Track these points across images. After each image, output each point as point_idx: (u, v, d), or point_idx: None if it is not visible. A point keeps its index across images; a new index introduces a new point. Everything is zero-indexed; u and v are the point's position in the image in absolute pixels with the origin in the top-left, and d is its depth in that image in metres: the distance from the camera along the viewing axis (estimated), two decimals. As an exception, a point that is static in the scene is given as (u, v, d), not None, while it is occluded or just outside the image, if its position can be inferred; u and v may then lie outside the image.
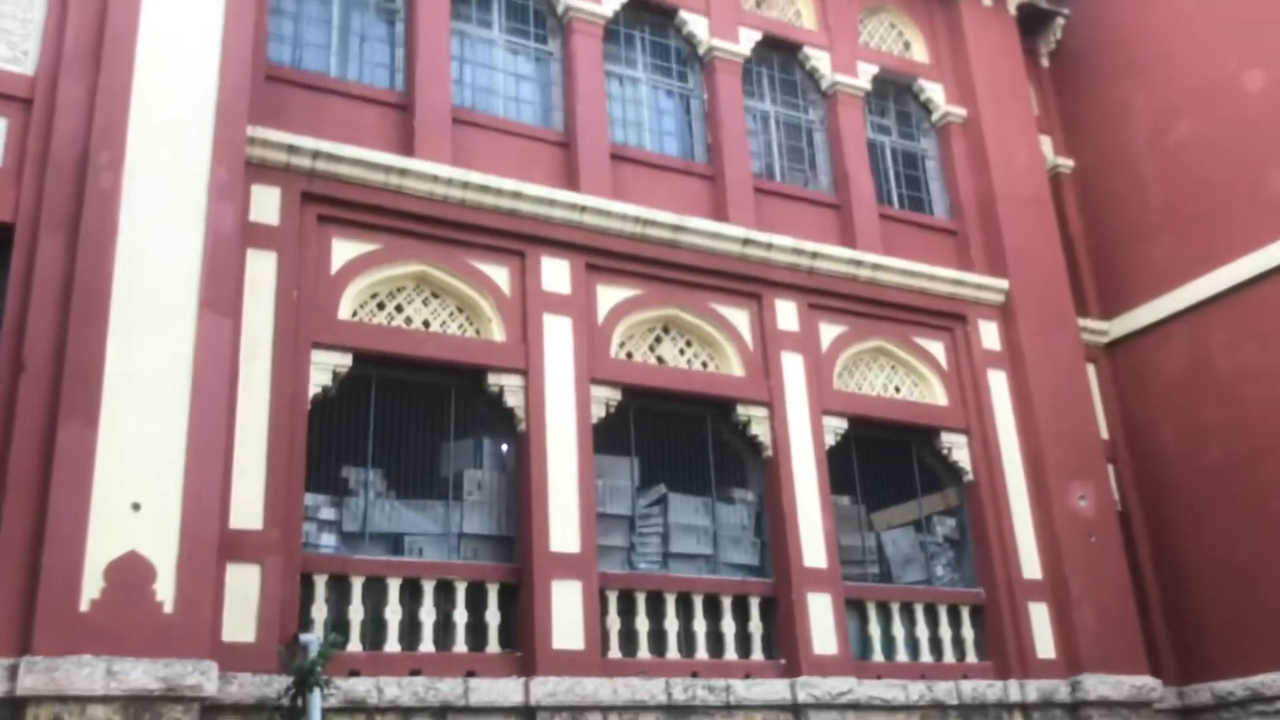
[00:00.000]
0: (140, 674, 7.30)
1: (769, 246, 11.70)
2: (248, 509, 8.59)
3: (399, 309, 10.05)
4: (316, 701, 7.97)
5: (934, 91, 14.00)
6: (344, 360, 9.49)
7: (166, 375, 8.08)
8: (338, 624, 8.91)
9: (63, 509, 7.45)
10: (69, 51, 8.61)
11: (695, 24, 12.58)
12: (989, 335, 12.85)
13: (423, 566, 9.39)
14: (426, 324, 10.11)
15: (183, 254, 8.43)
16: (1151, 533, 13.76)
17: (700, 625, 10.32)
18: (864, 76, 13.47)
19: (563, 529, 9.75)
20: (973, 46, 14.12)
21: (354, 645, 8.90)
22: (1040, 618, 11.77)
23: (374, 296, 9.97)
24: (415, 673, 8.90)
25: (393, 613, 9.11)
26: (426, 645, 9.14)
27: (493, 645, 9.41)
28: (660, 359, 11.23)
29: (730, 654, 10.35)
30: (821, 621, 10.64)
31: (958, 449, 12.28)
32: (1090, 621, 11.76)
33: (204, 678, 7.51)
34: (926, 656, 11.35)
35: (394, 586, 9.19)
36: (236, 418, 8.70)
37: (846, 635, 10.76)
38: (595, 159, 11.26)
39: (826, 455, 11.43)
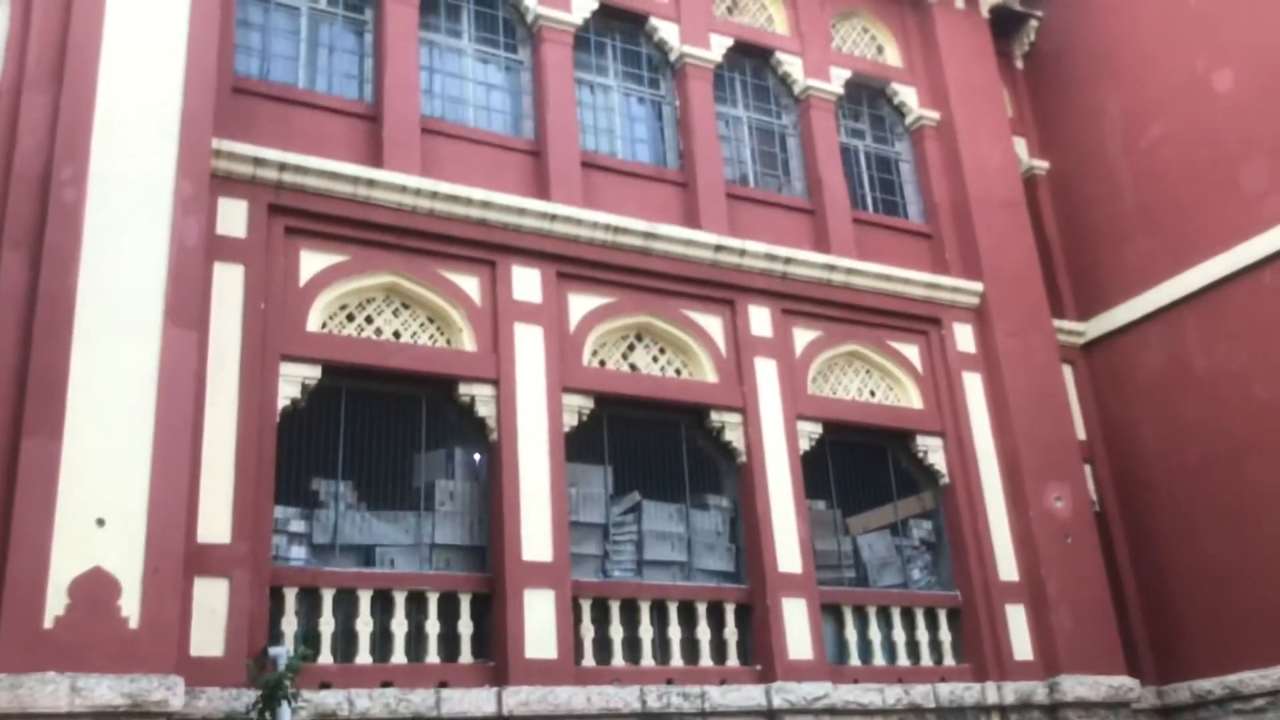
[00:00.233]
0: (105, 690, 7.27)
1: (742, 253, 11.71)
2: (215, 522, 8.57)
3: (369, 320, 10.04)
4: (286, 715, 7.94)
5: (907, 95, 14.04)
6: (313, 372, 9.48)
7: (131, 389, 8.06)
8: (308, 637, 8.89)
9: (26, 524, 7.42)
10: (32, 64, 8.59)
11: (666, 31, 12.59)
12: (964, 338, 12.87)
13: (394, 578, 9.37)
14: (397, 335, 10.11)
15: (147, 267, 8.41)
16: (1130, 533, 13.79)
17: (675, 632, 10.32)
18: (837, 81, 13.50)
19: (535, 538, 9.74)
20: (946, 50, 14.15)
21: (325, 658, 8.89)
22: (1017, 620, 11.78)
23: (343, 308, 9.96)
24: (387, 684, 8.87)
25: (364, 625, 9.10)
26: (398, 657, 9.12)
27: (465, 655, 9.39)
28: (633, 366, 11.23)
29: (705, 661, 10.34)
30: (797, 626, 10.64)
31: (933, 452, 12.30)
32: (1067, 623, 11.77)
33: (170, 693, 7.49)
34: (903, 660, 11.36)
35: (365, 598, 9.17)
36: (204, 431, 8.69)
37: (822, 640, 10.76)
38: (566, 167, 11.27)
39: (801, 460, 11.44)
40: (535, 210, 10.69)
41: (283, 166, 9.71)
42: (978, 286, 13.01)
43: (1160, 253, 13.77)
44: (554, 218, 10.77)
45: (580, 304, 10.92)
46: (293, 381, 9.36)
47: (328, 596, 9.06)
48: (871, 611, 11.39)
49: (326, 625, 8.99)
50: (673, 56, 12.61)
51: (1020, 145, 15.13)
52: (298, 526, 9.31)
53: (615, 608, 10.15)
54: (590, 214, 10.99)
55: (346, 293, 9.95)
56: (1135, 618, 13.40)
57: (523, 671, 9.24)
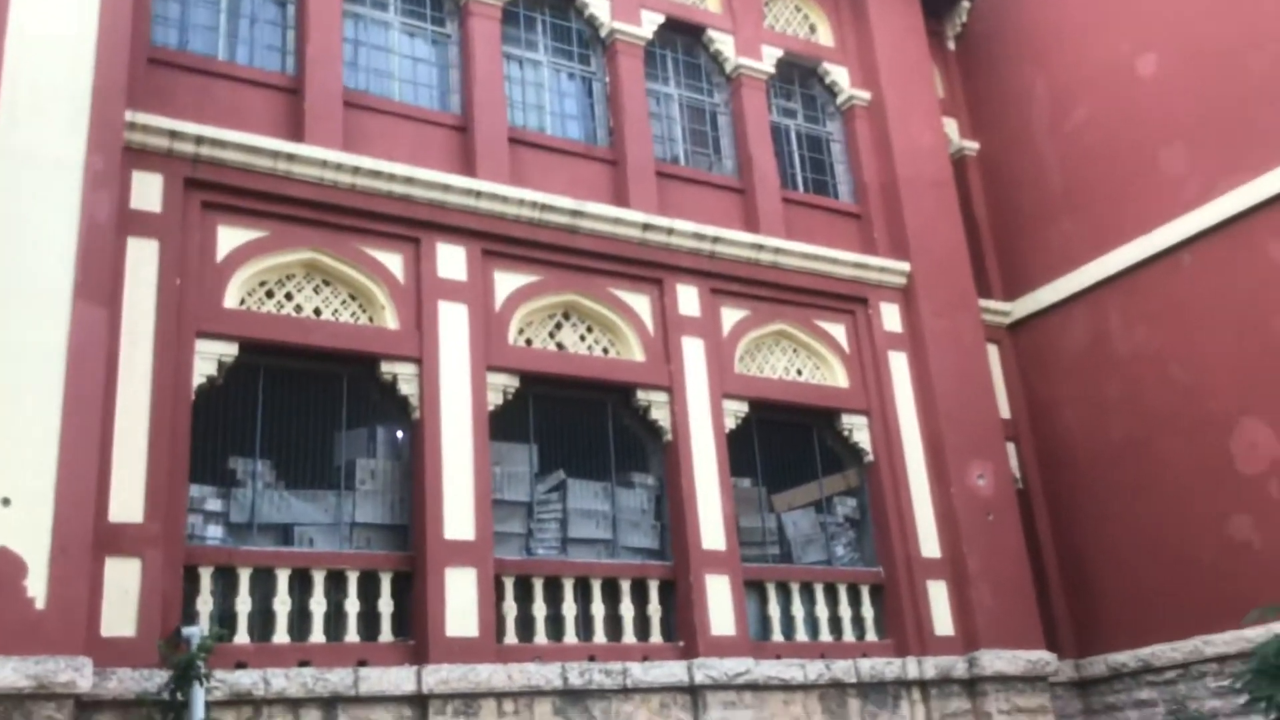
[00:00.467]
0: (9, 672, 7.17)
1: (670, 231, 11.72)
2: (128, 502, 8.45)
3: (288, 297, 9.93)
4: (199, 695, 7.88)
5: (839, 75, 14.08)
6: (230, 349, 9.36)
7: (39, 367, 7.92)
8: (224, 617, 8.83)
9: (-73, 505, 7.28)
10: (-67, 34, 8.35)
11: (597, 6, 12.52)
12: (890, 317, 12.99)
13: (313, 557, 9.31)
14: (317, 312, 10.00)
15: (56, 243, 8.25)
16: (1051, 510, 14.06)
17: (599, 609, 10.36)
18: (768, 60, 13.51)
19: (457, 516, 9.73)
20: (877, 29, 14.21)
21: (241, 637, 8.83)
22: (939, 595, 11.97)
23: (262, 284, 9.83)
24: (304, 663, 8.84)
25: (282, 604, 9.04)
26: (317, 636, 9.08)
27: (385, 634, 9.38)
28: (560, 345, 11.21)
29: (629, 637, 10.41)
30: (720, 603, 10.73)
31: (858, 430, 12.43)
32: (988, 598, 11.98)
33: (77, 674, 7.40)
34: (826, 636, 11.51)
35: (283, 577, 9.11)
36: (116, 409, 8.56)
37: (745, 616, 10.86)
38: (493, 143, 11.19)
39: (727, 438, 11.51)
40: (461, 187, 10.61)
41: (200, 140, 9.54)
42: (905, 266, 13.13)
43: (1084, 235, 13.99)
44: (480, 194, 10.70)
45: (506, 282, 10.87)
46: (209, 359, 9.24)
47: (245, 576, 8.99)
48: (795, 588, 11.51)
49: (243, 605, 8.92)
50: (603, 32, 12.54)
51: (951, 126, 15.28)
52: (214, 505, 9.22)
53: (539, 585, 10.18)
54: (517, 191, 10.93)
55: (266, 269, 9.83)
56: (1055, 593, 13.70)
57: (443, 650, 9.24)
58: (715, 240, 11.98)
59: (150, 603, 8.31)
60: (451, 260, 10.52)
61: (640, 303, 11.61)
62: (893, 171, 13.56)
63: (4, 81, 8.40)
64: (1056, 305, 14.24)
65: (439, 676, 9.10)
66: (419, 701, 9.06)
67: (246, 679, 8.49)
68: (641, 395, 11.26)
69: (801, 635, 11.37)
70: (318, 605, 9.15)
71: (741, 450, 11.80)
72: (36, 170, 8.32)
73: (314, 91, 10.43)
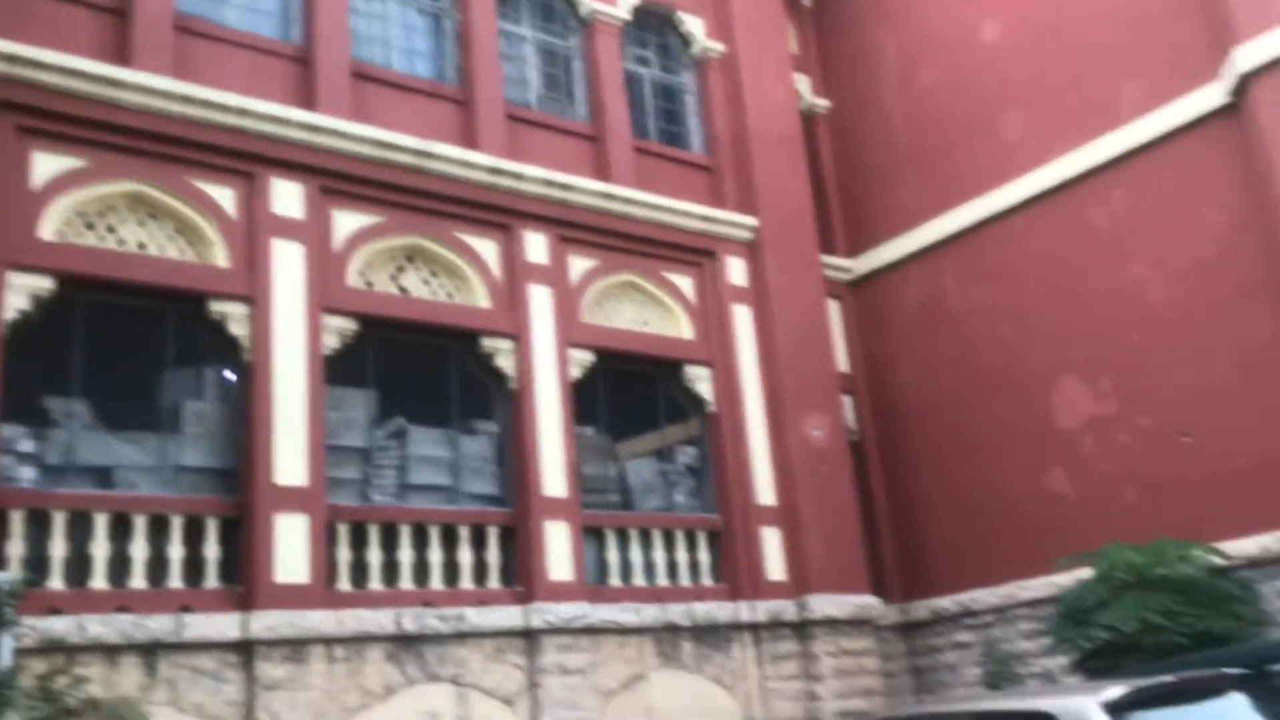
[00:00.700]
0: None
1: (519, 176, 11.59)
2: (-72, 442, 7.99)
3: (110, 230, 9.46)
4: (6, 642, 7.53)
5: (694, 25, 14.08)
6: (45, 283, 8.88)
7: None
8: (37, 562, 8.45)
9: None
10: None
11: (449, -59, 12.20)
12: (736, 271, 13.18)
13: (133, 500, 8.98)
14: (142, 246, 9.56)
15: None
16: (884, 462, 14.58)
17: (436, 556, 10.31)
18: (624, 6, 13.40)
19: (289, 462, 9.51)
20: (734, -18, 14.24)
21: (55, 583, 8.47)
22: (773, 542, 12.32)
23: (81, 216, 9.33)
24: (123, 610, 8.55)
25: (99, 549, 8.71)
26: (138, 582, 8.79)
27: (211, 580, 9.14)
28: (403, 289, 11.01)
29: (466, 584, 10.40)
30: (559, 549, 10.82)
31: (701, 381, 12.62)
32: (819, 546, 12.39)
33: (-126, 621, 7.00)
34: (663, 581, 11.73)
35: (102, 521, 8.77)
36: (-84, 344, 8.05)
37: (584, 562, 10.98)
38: (334, 76, 10.83)
39: (573, 387, 11.54)
40: (298, 120, 10.26)
41: (13, 59, 8.96)
42: (753, 221, 13.31)
43: (926, 194, 14.41)
44: (319, 130, 10.37)
45: (347, 222, 10.59)
46: (22, 293, 8.76)
47: (59, 519, 8.61)
48: (634, 534, 11.68)
49: (58, 550, 8.55)
50: (455, -32, 12.24)
51: (803, 83, 15.47)
52: (26, 446, 8.77)
53: (374, 532, 10.05)
54: (359, 127, 10.63)
55: (86, 200, 9.33)
56: (885, 542, 14.25)
57: (271, 596, 9.07)
58: (565, 187, 11.90)
59: (-47, 548, 7.91)
60: (287, 197, 10.18)
61: (487, 248, 11.48)
62: (744, 125, 13.68)
63: None
64: (896, 263, 14.68)
65: (265, 623, 8.94)
66: (244, 648, 8.89)
67: (60, 625, 8.18)
68: (486, 342, 11.18)
69: (639, 580, 11.55)
70: (139, 551, 8.84)
71: (587, 399, 11.86)
72: None
73: (143, 14, 9.89)
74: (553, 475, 11.02)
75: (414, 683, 9.66)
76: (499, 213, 11.55)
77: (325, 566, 9.50)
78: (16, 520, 8.46)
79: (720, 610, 11.66)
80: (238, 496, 9.44)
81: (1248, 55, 11.24)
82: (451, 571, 10.41)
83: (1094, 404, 12.44)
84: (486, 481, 11.09)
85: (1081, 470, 12.46)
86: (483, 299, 11.29)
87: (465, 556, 10.47)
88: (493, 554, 10.68)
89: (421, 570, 10.23)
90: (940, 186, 14.25)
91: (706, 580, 12.02)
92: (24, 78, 9.02)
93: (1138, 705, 6.39)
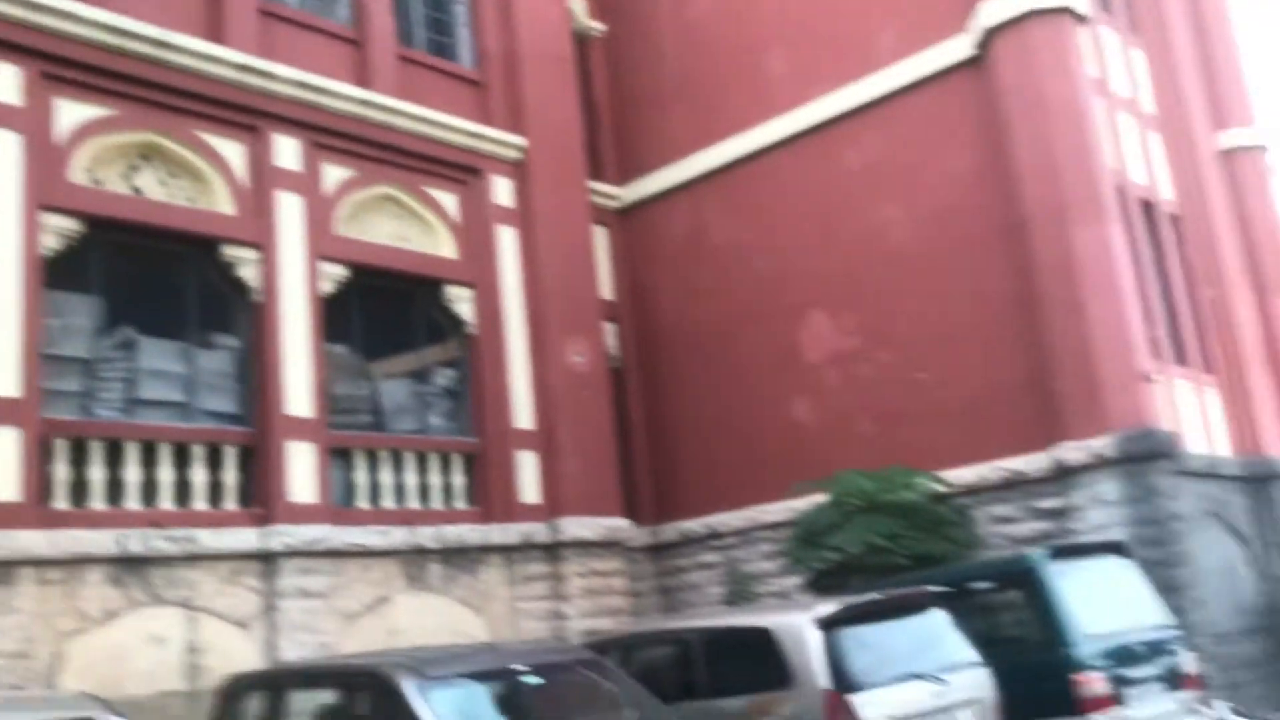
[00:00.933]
0: None
1: (270, 76, 10.93)
2: None
3: None
4: None
5: (467, -68, 13.60)
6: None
7: None
8: None
9: None
10: None
11: None
12: (503, 191, 12.95)
13: None
14: None
15: None
16: (644, 389, 14.84)
17: (167, 475, 9.76)
18: (393, -94, 12.77)
19: (-3, 371, 8.75)
20: (510, -110, 13.79)
21: None
22: (529, 466, 12.33)
23: None
24: None
25: None
26: None
27: (-99, 498, 8.35)
28: (137, 190, 10.23)
29: (199, 504, 9.90)
30: (302, 470, 10.46)
31: (462, 302, 12.39)
32: (574, 469, 12.48)
33: None
34: (414, 503, 11.54)
35: None
36: None
37: (329, 483, 10.67)
38: (60, -49, 9.84)
39: (323, 302, 11.10)
40: (17, -2, 9.29)
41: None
42: (521, 141, 13.08)
43: (694, 126, 14.56)
44: (39, 8, 9.42)
45: (70, 112, 9.71)
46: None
47: None
48: (385, 456, 11.42)
49: None
50: None
51: (578, 3, 15.24)
52: None
53: (97, 449, 9.41)
54: (87, 9, 9.72)
55: None
56: (641, 467, 14.56)
57: (-27, 516, 8.37)
58: (321, 91, 11.33)
59: None
60: (2, 80, 9.23)
61: (233, 151, 10.80)
62: (515, 42, 13.37)
63: None
64: (664, 194, 14.82)
65: (-34, 544, 8.25)
66: (-59, 572, 8.19)
67: None
68: (228, 251, 10.57)
69: (388, 503, 11.33)
70: None
71: (339, 316, 11.43)
72: None
73: None
74: (298, 393, 10.61)
75: (138, 606, 9.17)
76: (247, 113, 10.87)
77: (38, 484, 8.84)
78: None
79: (471, 533, 11.61)
80: (-64, 408, 8.62)
81: (991, 10, 11.83)
82: (184, 492, 9.88)
83: (839, 339, 13.02)
84: (225, 399, 10.54)
85: (824, 401, 13.05)
86: (226, 205, 10.64)
87: (199, 476, 9.96)
88: (230, 474, 10.21)
89: (150, 490, 9.66)
90: (708, 119, 14.42)
91: (460, 503, 11.92)
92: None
93: (848, 620, 6.81)
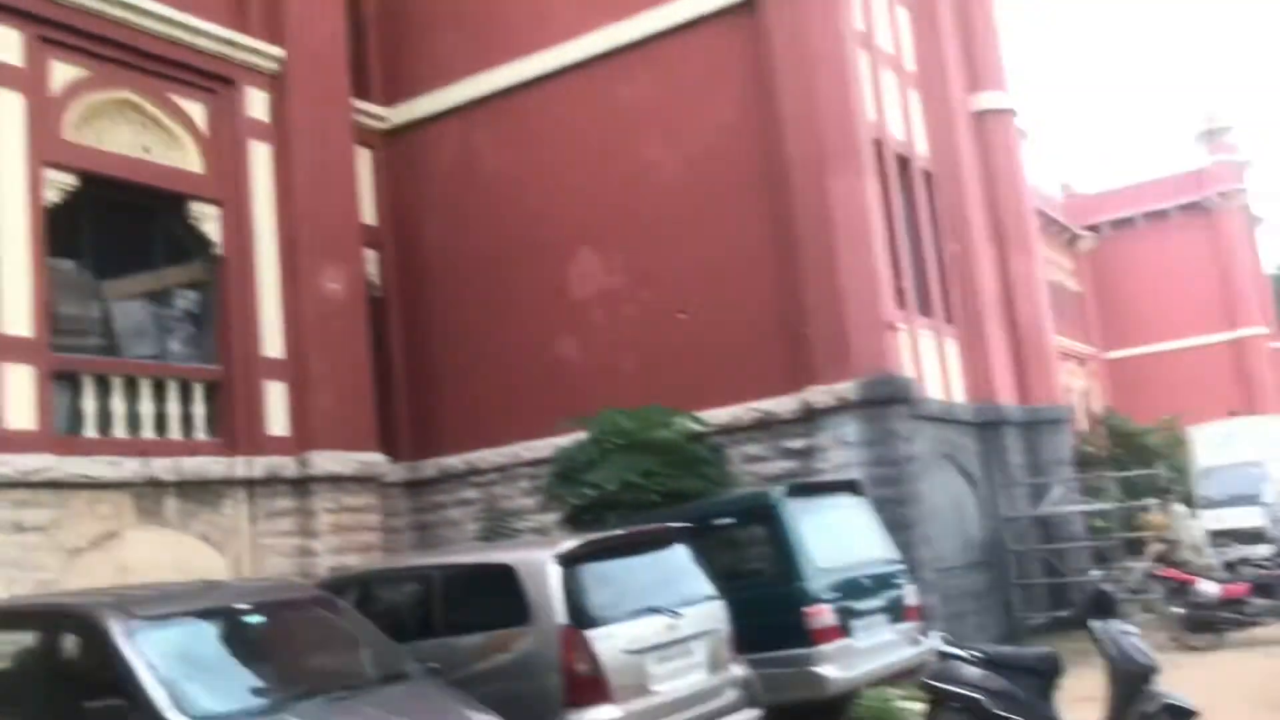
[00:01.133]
0: None
1: (-15, -43, 9.83)
2: None
3: None
4: None
5: None
6: None
7: None
8: None
9: None
10: None
11: None
12: (257, 104, 12.18)
13: None
14: None
15: None
16: (406, 320, 14.41)
17: None
18: None
19: None
20: None
21: None
22: (277, 396, 11.77)
23: None
24: None
25: None
26: None
27: None
28: None
29: (-105, 430, 8.98)
30: (20, 395, 9.66)
31: (209, 220, 11.63)
32: (327, 401, 12.01)
33: None
34: (150, 433, 10.83)
35: None
36: None
37: (51, 410, 9.88)
38: None
39: (47, 213, 10.17)
40: None
41: None
42: (279, 52, 12.30)
43: (466, 50, 14.11)
44: None
45: None
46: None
47: None
48: (117, 382, 10.63)
49: None
50: None
51: (349, -88, 14.40)
52: None
53: None
54: None
55: None
56: (401, 400, 14.17)
57: None
58: (49, -21, 10.28)
59: None
60: None
61: (-57, 39, 9.69)
62: (275, -55, 12.51)
63: None
64: (433, 117, 14.34)
65: None
66: None
67: None
68: (-67, 150, 9.50)
69: (120, 432, 10.58)
70: None
71: (66, 229, 10.50)
72: None
73: None
74: (15, 311, 9.73)
75: None
76: (-40, -1, 9.76)
77: None
78: None
79: (213, 465, 11.02)
80: None
81: (765, -44, 11.93)
82: (-125, 416, 8.92)
83: (605, 277, 13.01)
84: (-72, 314, 9.55)
85: (590, 339, 13.04)
86: (-68, 99, 9.55)
87: (-105, 399, 9.02)
88: (-65, 398, 9.29)
89: None
90: (481, 44, 13.99)
91: (201, 434, 11.26)
92: None
93: (589, 557, 6.81)
